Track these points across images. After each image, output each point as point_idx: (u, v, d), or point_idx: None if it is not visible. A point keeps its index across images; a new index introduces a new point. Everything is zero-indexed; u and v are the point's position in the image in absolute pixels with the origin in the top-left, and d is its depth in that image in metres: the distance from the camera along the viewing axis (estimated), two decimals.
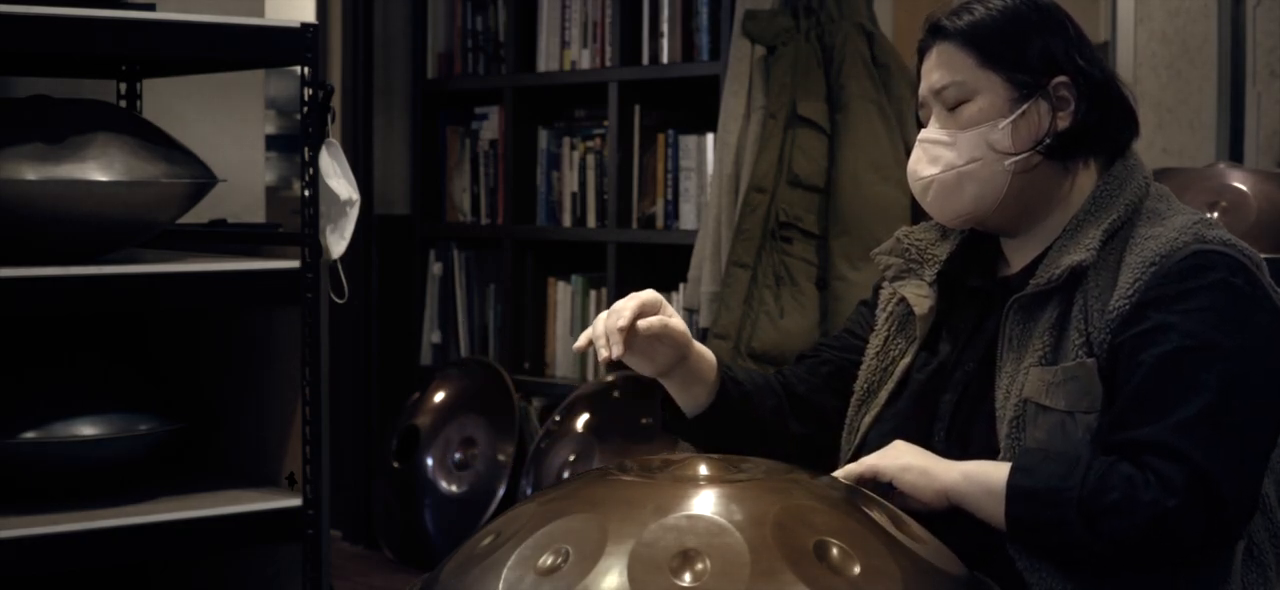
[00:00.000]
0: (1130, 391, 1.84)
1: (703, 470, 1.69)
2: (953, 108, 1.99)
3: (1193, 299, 1.84)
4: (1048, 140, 1.96)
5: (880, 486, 1.92)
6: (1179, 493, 1.77)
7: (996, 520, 1.86)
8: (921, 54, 2.05)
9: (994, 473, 1.87)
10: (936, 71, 2.01)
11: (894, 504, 1.92)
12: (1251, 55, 4.25)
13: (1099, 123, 1.98)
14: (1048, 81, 1.97)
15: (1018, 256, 2.04)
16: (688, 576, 1.49)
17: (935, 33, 2.02)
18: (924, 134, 2.02)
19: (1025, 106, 1.96)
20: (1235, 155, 4.24)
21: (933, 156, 2.00)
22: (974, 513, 1.88)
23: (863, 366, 2.12)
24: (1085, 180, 2.00)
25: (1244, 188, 3.21)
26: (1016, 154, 1.96)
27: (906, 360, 2.07)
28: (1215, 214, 3.13)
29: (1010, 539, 1.85)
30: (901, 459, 1.92)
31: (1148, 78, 4.37)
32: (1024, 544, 1.85)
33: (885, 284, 2.15)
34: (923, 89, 2.04)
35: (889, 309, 2.12)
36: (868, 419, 2.08)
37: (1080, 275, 1.91)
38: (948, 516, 1.92)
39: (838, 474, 1.93)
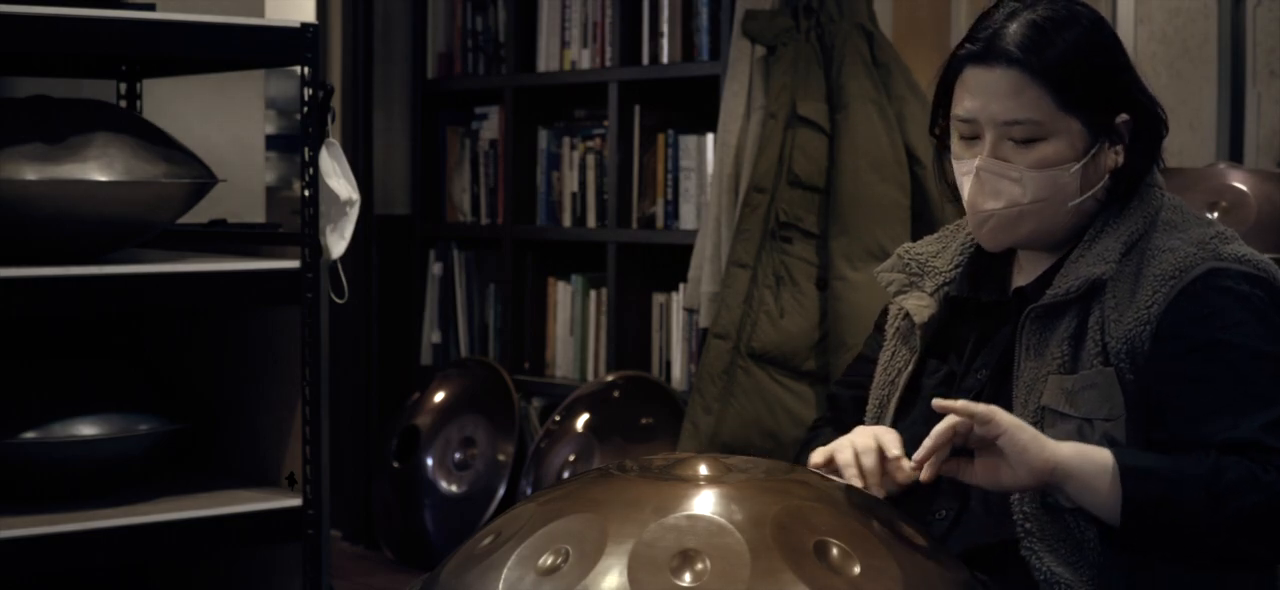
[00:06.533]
0: (1201, 402, 1.82)
1: (703, 470, 1.69)
2: (1021, 142, 1.91)
3: (1227, 315, 1.84)
4: (1106, 180, 1.93)
5: (972, 442, 1.80)
6: None
7: (1103, 501, 1.79)
8: (968, 63, 1.93)
9: (1102, 453, 1.80)
10: (1007, 101, 1.90)
11: (964, 474, 1.81)
12: (1251, 55, 4.24)
13: (1146, 155, 1.96)
14: (1113, 121, 1.93)
15: (1032, 266, 2.01)
16: (688, 576, 1.49)
17: (1005, 58, 1.90)
18: (986, 164, 1.92)
19: (1095, 149, 1.92)
20: (1235, 155, 4.23)
21: (995, 190, 1.92)
22: (1077, 492, 1.79)
23: (873, 384, 2.11)
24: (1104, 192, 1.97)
25: (1244, 188, 3.21)
26: (1081, 197, 1.93)
27: (909, 369, 2.06)
28: (1216, 214, 3.13)
29: (1124, 522, 1.78)
30: (1018, 419, 1.81)
31: (1148, 78, 4.37)
32: (1136, 527, 1.78)
33: (891, 302, 2.13)
34: (981, 112, 1.92)
35: (895, 324, 2.11)
36: None
37: (1099, 287, 1.89)
38: (957, 514, 1.92)
39: (948, 405, 1.79)
